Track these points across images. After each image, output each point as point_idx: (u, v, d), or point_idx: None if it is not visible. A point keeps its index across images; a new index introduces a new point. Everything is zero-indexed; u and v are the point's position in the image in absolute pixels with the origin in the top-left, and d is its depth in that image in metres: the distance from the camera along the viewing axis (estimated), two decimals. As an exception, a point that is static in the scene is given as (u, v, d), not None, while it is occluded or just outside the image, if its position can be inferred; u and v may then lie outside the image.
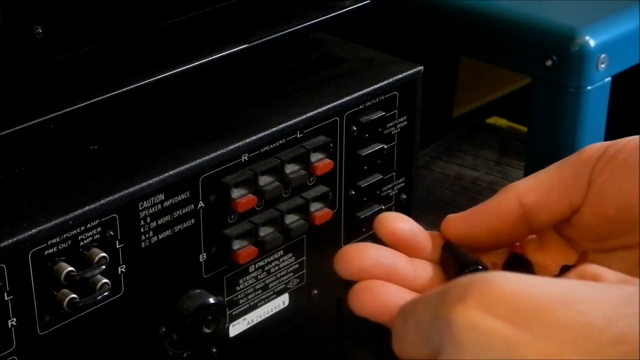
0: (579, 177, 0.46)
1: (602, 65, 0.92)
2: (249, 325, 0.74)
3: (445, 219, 0.48)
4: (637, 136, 0.45)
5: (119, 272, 0.64)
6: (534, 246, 0.48)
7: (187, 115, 0.72)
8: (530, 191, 0.46)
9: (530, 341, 0.34)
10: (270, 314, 0.76)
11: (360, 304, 0.44)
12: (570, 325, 0.34)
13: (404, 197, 0.81)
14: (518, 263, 0.46)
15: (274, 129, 0.70)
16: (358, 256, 0.45)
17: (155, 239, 0.65)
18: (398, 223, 0.46)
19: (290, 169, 0.71)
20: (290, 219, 0.72)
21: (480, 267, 0.45)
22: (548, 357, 0.34)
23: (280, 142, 0.70)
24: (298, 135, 0.71)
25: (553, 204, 0.46)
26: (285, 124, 0.70)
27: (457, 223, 0.47)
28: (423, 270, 0.46)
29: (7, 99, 0.62)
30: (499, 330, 0.35)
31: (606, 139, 0.50)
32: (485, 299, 0.36)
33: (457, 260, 0.46)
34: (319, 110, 0.72)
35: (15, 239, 0.58)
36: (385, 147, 0.77)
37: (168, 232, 0.66)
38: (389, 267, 0.45)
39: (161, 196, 0.65)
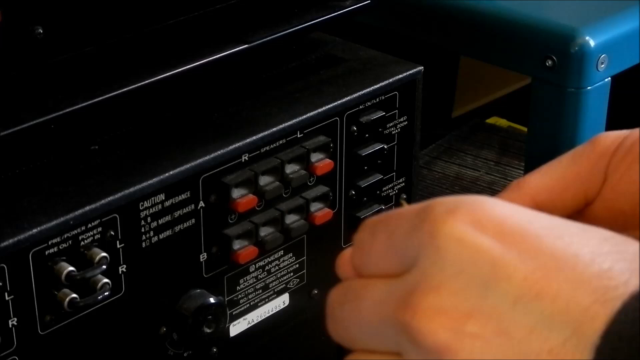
0: (594, 171, 0.44)
1: (602, 66, 0.92)
2: (249, 325, 0.74)
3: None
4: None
5: (120, 272, 0.64)
6: None
7: (187, 115, 0.72)
8: (545, 189, 0.45)
9: (518, 263, 0.34)
10: (271, 313, 0.76)
11: None
12: (558, 254, 0.34)
13: (404, 197, 0.81)
14: None
15: (274, 129, 0.70)
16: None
17: (155, 238, 0.65)
18: None
19: (290, 169, 0.71)
20: (290, 219, 0.72)
21: None
22: (534, 281, 0.34)
23: (281, 142, 0.70)
24: (298, 135, 0.71)
25: (568, 201, 0.45)
26: (285, 124, 0.70)
27: None
28: None
29: (7, 99, 0.62)
30: (487, 248, 0.35)
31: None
32: (475, 216, 0.35)
33: None
34: (319, 110, 0.72)
35: (15, 239, 0.58)
36: (385, 147, 0.77)
37: (168, 232, 0.66)
38: None
39: (162, 196, 0.65)
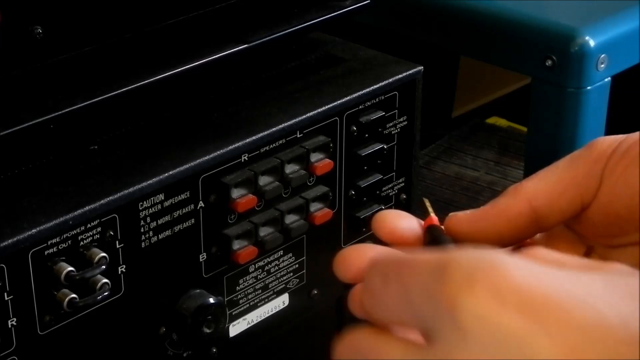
0: (591, 175, 0.44)
1: (602, 65, 0.92)
2: (249, 325, 0.74)
3: (448, 217, 0.46)
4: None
5: (119, 272, 0.64)
6: (542, 241, 0.46)
7: (187, 115, 0.72)
8: (541, 194, 0.45)
9: (545, 340, 0.33)
10: (270, 314, 0.76)
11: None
12: (585, 324, 0.33)
13: (404, 197, 0.81)
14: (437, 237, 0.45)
15: (274, 129, 0.70)
16: (357, 259, 0.43)
17: (155, 239, 0.65)
18: (396, 222, 0.45)
19: (290, 169, 0.71)
20: (290, 219, 0.72)
21: None
22: (563, 357, 0.32)
23: (280, 142, 0.70)
24: (298, 135, 0.71)
25: (564, 205, 0.45)
26: (285, 124, 0.70)
27: (462, 224, 0.46)
28: None
29: (7, 99, 0.62)
30: (513, 326, 0.33)
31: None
32: (495, 287, 0.34)
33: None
34: (319, 110, 0.72)
35: (15, 239, 0.58)
36: (385, 147, 0.77)
37: (168, 232, 0.66)
38: None
39: (161, 196, 0.65)
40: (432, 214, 0.46)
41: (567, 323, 0.33)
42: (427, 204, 0.47)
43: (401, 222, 0.45)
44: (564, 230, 0.46)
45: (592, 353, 0.32)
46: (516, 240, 0.46)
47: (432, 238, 0.45)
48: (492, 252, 0.35)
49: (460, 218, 0.46)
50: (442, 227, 0.46)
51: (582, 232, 0.46)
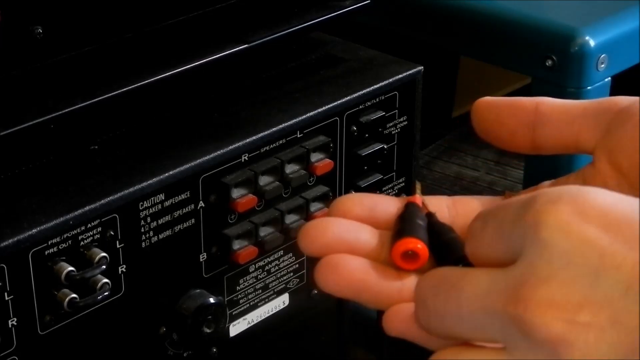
0: (595, 118, 0.45)
1: (602, 66, 0.92)
2: (249, 325, 0.74)
3: (480, 99, 0.49)
4: None
5: (119, 272, 0.64)
6: None
7: (187, 115, 0.72)
8: (550, 103, 0.47)
9: (626, 251, 0.34)
10: (270, 314, 0.76)
11: (325, 281, 0.43)
12: None
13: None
14: (412, 216, 0.46)
15: (274, 129, 0.70)
16: (320, 233, 0.44)
17: (155, 238, 0.65)
18: (353, 209, 0.45)
19: (290, 169, 0.71)
20: (290, 219, 0.72)
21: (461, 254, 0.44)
22: None
23: (280, 142, 0.70)
24: (298, 135, 0.71)
25: (562, 125, 0.46)
26: (285, 124, 0.70)
27: (485, 103, 0.48)
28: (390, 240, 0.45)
29: (7, 99, 0.62)
30: (593, 238, 0.35)
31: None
32: (579, 205, 0.35)
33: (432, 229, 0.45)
34: (319, 110, 0.72)
35: (15, 239, 0.58)
36: (385, 147, 0.77)
37: (168, 232, 0.66)
38: (351, 241, 0.44)
39: (161, 196, 0.65)
40: (418, 194, 0.47)
41: None
42: (418, 186, 0.47)
43: (355, 209, 0.45)
44: None
45: None
46: (512, 139, 0.47)
47: (406, 214, 0.45)
48: (579, 186, 0.36)
49: (487, 99, 0.48)
50: (423, 209, 0.46)
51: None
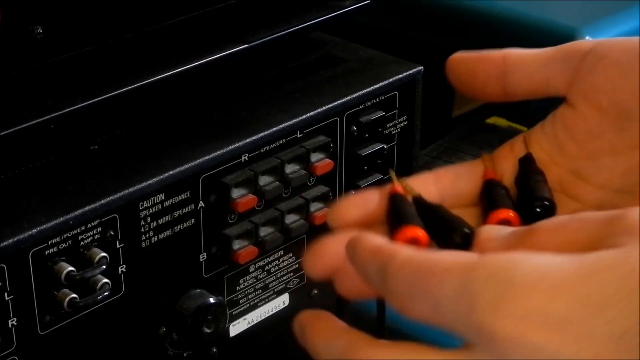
0: (563, 62, 0.48)
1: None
2: (249, 325, 0.74)
3: (453, 56, 0.52)
4: (623, 38, 0.47)
5: (119, 272, 0.64)
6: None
7: (187, 115, 0.72)
8: (517, 53, 0.50)
9: (574, 349, 0.35)
10: (271, 313, 0.76)
11: (342, 288, 0.44)
12: (606, 337, 0.35)
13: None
14: (496, 190, 0.47)
15: (274, 129, 0.70)
16: (320, 257, 0.44)
17: (155, 238, 0.65)
18: (347, 215, 0.46)
19: (290, 169, 0.71)
20: (290, 219, 0.72)
21: (466, 230, 0.44)
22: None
23: (280, 142, 0.70)
24: (298, 135, 0.71)
25: (530, 72, 0.49)
26: (285, 124, 0.70)
27: (459, 57, 0.51)
28: None
29: (7, 99, 0.62)
30: (543, 344, 0.35)
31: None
32: (521, 311, 0.36)
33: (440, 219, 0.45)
34: (319, 110, 0.72)
35: (15, 239, 0.58)
36: (385, 147, 0.77)
37: (168, 232, 0.66)
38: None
39: (161, 196, 0.65)
40: (396, 182, 0.47)
41: (589, 334, 0.35)
42: (392, 174, 0.48)
43: (350, 214, 0.46)
44: (540, 152, 0.48)
45: (618, 354, 0.35)
46: (484, 90, 0.50)
47: (394, 206, 0.46)
48: (511, 265, 0.36)
49: (461, 54, 0.52)
50: (405, 194, 0.47)
51: (561, 137, 0.47)
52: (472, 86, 0.50)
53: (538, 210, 0.45)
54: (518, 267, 0.36)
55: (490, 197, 0.46)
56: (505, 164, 0.49)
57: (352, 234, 0.43)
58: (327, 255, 0.44)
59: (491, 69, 0.50)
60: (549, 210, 0.45)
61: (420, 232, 0.44)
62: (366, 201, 0.47)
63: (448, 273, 0.37)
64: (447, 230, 0.44)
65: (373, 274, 0.40)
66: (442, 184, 0.48)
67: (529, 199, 0.46)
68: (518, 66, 0.49)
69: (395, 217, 0.45)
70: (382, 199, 0.47)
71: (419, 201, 0.46)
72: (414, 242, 0.44)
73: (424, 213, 0.45)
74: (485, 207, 0.46)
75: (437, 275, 0.38)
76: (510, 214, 0.45)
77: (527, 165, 0.48)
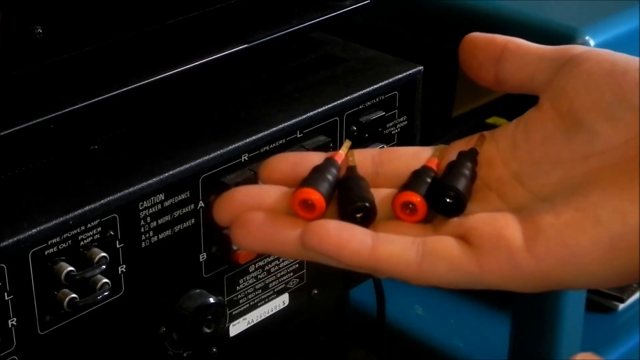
0: (549, 62, 0.48)
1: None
2: (249, 325, 0.74)
3: (468, 35, 0.51)
4: (613, 52, 0.47)
5: (119, 272, 0.64)
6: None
7: (187, 115, 0.72)
8: (518, 42, 0.49)
9: None
10: (270, 313, 0.76)
11: (238, 239, 0.44)
12: None
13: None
14: (422, 175, 0.46)
15: (274, 129, 0.70)
16: (228, 203, 0.45)
17: (155, 238, 0.65)
18: (278, 167, 0.47)
19: (290, 169, 0.71)
20: (290, 219, 0.72)
21: (361, 204, 0.44)
22: None
23: (280, 142, 0.70)
24: (298, 135, 0.71)
25: (522, 64, 0.49)
26: (285, 124, 0.70)
27: (472, 37, 0.50)
28: None
29: (7, 99, 0.62)
30: None
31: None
32: None
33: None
34: (319, 110, 0.72)
35: (15, 239, 0.58)
36: (385, 147, 0.77)
37: (168, 232, 0.66)
38: (257, 205, 0.45)
39: (161, 196, 0.65)
40: (341, 150, 0.48)
41: None
42: (347, 143, 0.48)
43: (288, 166, 0.47)
44: (492, 148, 0.49)
45: None
46: (479, 70, 0.50)
47: (321, 166, 0.46)
48: None
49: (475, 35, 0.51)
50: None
51: (519, 137, 0.48)
52: (470, 65, 0.50)
53: (447, 200, 0.45)
54: None
55: (410, 180, 0.46)
56: (454, 155, 0.48)
57: (255, 188, 0.45)
58: (236, 202, 0.45)
59: (491, 50, 0.49)
60: (459, 203, 0.45)
61: (314, 196, 0.44)
62: (301, 160, 0.47)
63: None
64: (348, 202, 0.44)
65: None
66: (381, 160, 0.48)
67: (442, 188, 0.45)
68: (514, 54, 0.49)
69: (309, 176, 0.45)
70: (319, 161, 0.47)
71: (349, 171, 0.47)
72: (309, 204, 0.44)
73: (341, 185, 0.46)
74: (399, 188, 0.46)
75: None
76: (415, 197, 0.45)
77: (464, 158, 0.47)
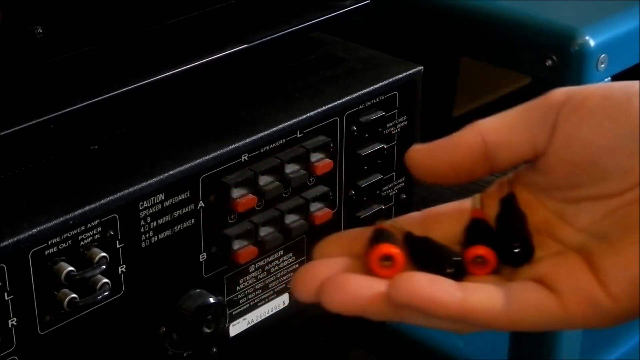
0: (544, 120, 0.46)
1: (602, 65, 0.92)
2: (249, 325, 0.74)
3: (411, 148, 0.48)
4: (603, 84, 0.46)
5: (119, 272, 0.64)
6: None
7: (187, 115, 0.72)
8: (494, 130, 0.46)
9: None
10: (270, 313, 0.76)
11: (331, 301, 0.43)
12: None
13: (404, 197, 0.81)
14: (479, 228, 0.46)
15: (274, 129, 0.70)
16: (310, 277, 0.44)
17: (155, 238, 0.65)
18: (334, 251, 0.46)
19: (290, 168, 0.71)
20: (290, 219, 0.72)
21: (455, 258, 0.44)
22: None
23: (280, 142, 0.70)
24: (298, 135, 0.71)
25: (515, 145, 0.46)
26: (285, 124, 0.70)
27: (420, 153, 0.47)
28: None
29: (7, 99, 0.62)
30: None
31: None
32: None
33: (429, 253, 0.45)
34: (319, 110, 0.72)
35: (15, 239, 0.58)
36: (385, 147, 0.77)
37: (168, 232, 0.66)
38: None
39: (161, 196, 0.65)
40: (385, 223, 0.47)
41: None
42: (381, 222, 0.48)
43: (341, 248, 0.47)
44: (523, 192, 0.48)
45: None
46: (470, 174, 0.47)
47: (375, 237, 0.46)
48: None
49: (420, 148, 0.47)
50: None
51: (541, 185, 0.47)
52: (442, 175, 0.47)
53: (515, 250, 0.45)
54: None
55: (469, 234, 0.46)
56: (492, 203, 0.48)
57: (333, 259, 0.44)
58: (316, 277, 0.44)
59: (469, 153, 0.47)
60: (527, 251, 0.45)
61: (394, 250, 0.44)
62: (356, 236, 0.47)
63: None
64: (438, 259, 0.44)
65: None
66: (428, 223, 0.48)
67: (507, 239, 0.45)
68: (501, 142, 0.46)
69: (375, 238, 0.45)
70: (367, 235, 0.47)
71: (409, 235, 0.46)
72: (388, 259, 0.44)
73: (414, 246, 0.46)
74: (463, 244, 0.46)
75: None
76: (485, 250, 0.45)
77: (509, 205, 0.47)
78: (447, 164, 0.47)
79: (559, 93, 0.46)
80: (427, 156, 0.47)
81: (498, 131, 0.46)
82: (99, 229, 0.62)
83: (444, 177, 0.47)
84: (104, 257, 0.61)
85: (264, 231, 0.71)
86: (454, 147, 0.47)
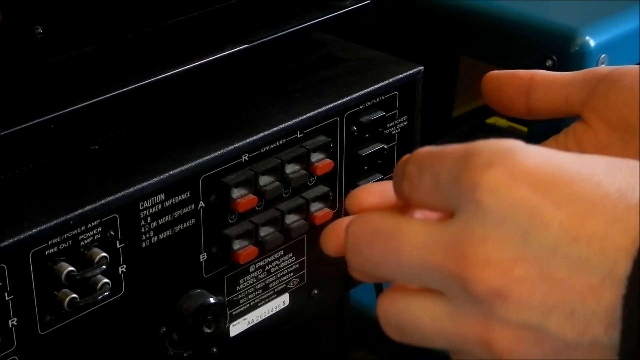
0: (584, 84, 0.53)
1: (602, 66, 0.92)
2: (249, 325, 0.74)
3: (488, 73, 0.56)
4: (632, 67, 0.52)
5: (120, 272, 0.64)
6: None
7: (187, 115, 0.72)
8: (544, 74, 0.55)
9: (553, 211, 0.37)
10: (271, 314, 0.76)
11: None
12: (589, 198, 0.37)
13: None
14: None
15: (274, 129, 0.70)
16: (338, 231, 0.48)
17: (155, 238, 0.65)
18: (365, 201, 0.48)
19: (290, 169, 0.71)
20: (290, 219, 0.72)
21: None
22: (569, 226, 0.37)
23: (281, 142, 0.70)
24: (298, 135, 0.71)
25: (552, 92, 0.54)
26: (285, 124, 0.70)
27: (493, 77, 0.56)
28: None
29: (7, 99, 0.62)
30: (524, 199, 0.38)
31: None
32: (510, 168, 0.38)
33: None
34: (319, 110, 0.72)
35: (15, 239, 0.58)
36: (386, 147, 0.77)
37: (168, 232, 0.66)
38: None
39: (161, 196, 0.65)
40: None
41: (572, 195, 0.38)
42: None
43: (370, 199, 0.48)
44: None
45: (593, 222, 0.37)
46: (509, 104, 0.55)
47: None
48: (511, 141, 0.40)
49: (495, 73, 0.57)
50: None
51: (591, 139, 0.54)
52: (499, 101, 0.55)
53: None
54: (518, 145, 0.40)
55: None
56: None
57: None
58: (341, 232, 0.46)
59: (518, 85, 0.54)
60: None
61: None
62: (385, 189, 0.48)
63: (452, 151, 0.40)
64: None
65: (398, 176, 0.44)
66: None
67: None
68: (542, 84, 0.54)
69: None
70: None
71: None
72: None
73: None
74: None
75: (443, 153, 0.41)
76: None
77: None
78: (497, 88, 0.55)
79: (603, 68, 0.54)
80: (492, 78, 0.56)
81: (545, 75, 0.54)
82: (99, 229, 0.62)
83: (494, 97, 0.55)
84: (104, 257, 0.61)
85: (264, 231, 0.71)
86: (509, 74, 0.55)
